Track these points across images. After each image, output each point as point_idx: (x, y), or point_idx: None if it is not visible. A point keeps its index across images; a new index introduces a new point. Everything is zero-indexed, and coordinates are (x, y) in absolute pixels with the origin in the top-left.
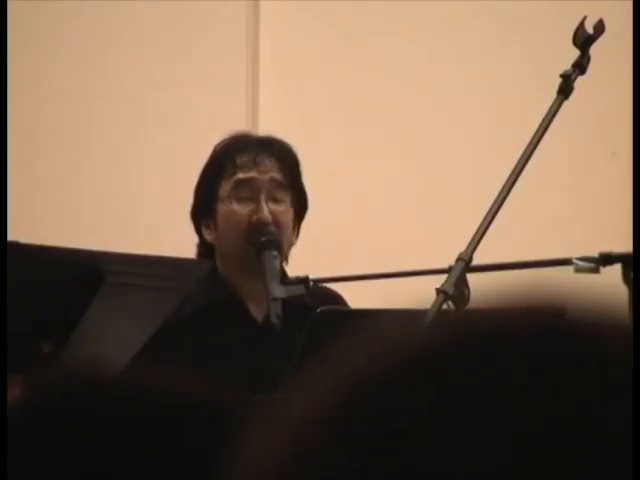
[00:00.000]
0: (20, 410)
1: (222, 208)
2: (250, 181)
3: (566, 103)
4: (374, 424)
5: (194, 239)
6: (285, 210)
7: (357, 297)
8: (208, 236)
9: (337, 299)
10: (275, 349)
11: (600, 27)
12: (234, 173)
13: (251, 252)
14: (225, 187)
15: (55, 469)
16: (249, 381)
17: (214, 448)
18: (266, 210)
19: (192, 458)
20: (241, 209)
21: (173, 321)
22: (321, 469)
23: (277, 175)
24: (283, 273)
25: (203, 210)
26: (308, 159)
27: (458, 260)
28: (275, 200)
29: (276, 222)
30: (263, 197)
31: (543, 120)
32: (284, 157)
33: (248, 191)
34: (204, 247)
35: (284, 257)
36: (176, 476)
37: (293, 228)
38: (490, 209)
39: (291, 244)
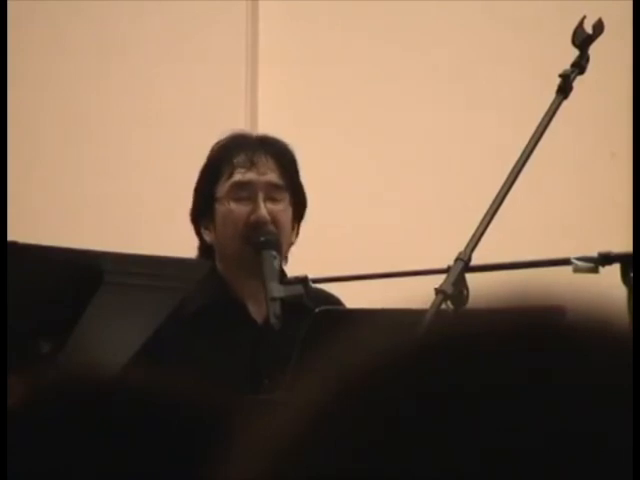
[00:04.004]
0: (20, 410)
1: (220, 208)
2: (248, 182)
3: (565, 103)
4: (372, 423)
5: (194, 239)
6: (283, 209)
7: (356, 297)
8: (207, 237)
9: (335, 301)
10: (275, 349)
11: (599, 27)
12: (232, 174)
13: (249, 252)
14: (223, 187)
15: (55, 469)
16: (249, 381)
17: (213, 448)
18: (264, 209)
19: (191, 458)
20: (239, 209)
21: (173, 321)
22: (320, 469)
23: (275, 175)
24: (282, 273)
25: (202, 211)
26: (307, 159)
27: (457, 260)
28: (273, 200)
29: (275, 221)
30: (261, 197)
31: (542, 120)
32: (281, 156)
33: (246, 192)
34: (204, 249)
35: (283, 257)
36: (176, 476)
37: (292, 227)
38: (489, 209)
39: (290, 243)
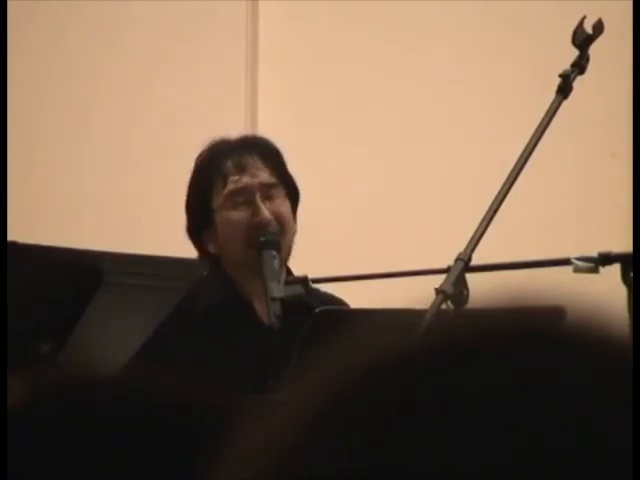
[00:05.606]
0: (20, 410)
1: (219, 218)
2: (243, 188)
3: (566, 103)
4: (371, 424)
5: None
6: (281, 203)
7: (357, 297)
8: (212, 249)
9: (340, 304)
10: (280, 350)
11: (599, 27)
12: (225, 183)
13: (254, 254)
14: (218, 198)
15: (55, 469)
16: (255, 381)
17: (213, 448)
18: (265, 211)
19: (191, 458)
20: (238, 215)
21: (180, 321)
22: (319, 469)
23: (266, 174)
24: (288, 271)
25: (201, 225)
26: (307, 159)
27: (457, 260)
28: (270, 198)
29: (277, 217)
30: (259, 199)
31: (542, 120)
32: (267, 153)
33: (243, 197)
34: (210, 260)
35: (289, 249)
36: (175, 476)
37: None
38: (489, 209)
39: (294, 233)
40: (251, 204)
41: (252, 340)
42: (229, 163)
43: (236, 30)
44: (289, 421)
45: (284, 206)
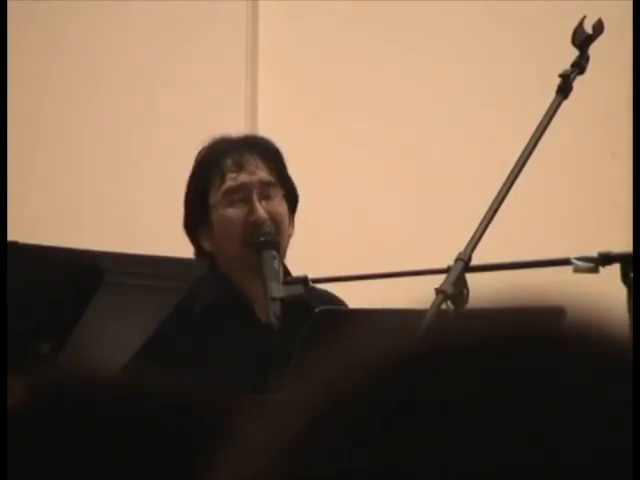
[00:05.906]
0: (20, 410)
1: (216, 215)
2: (240, 185)
3: (565, 103)
4: (370, 424)
5: None
6: (278, 203)
7: (357, 297)
8: (207, 245)
9: (340, 303)
10: (280, 349)
11: (599, 27)
12: (223, 180)
13: (250, 253)
14: (216, 195)
15: (55, 469)
16: (255, 381)
17: (212, 449)
18: (261, 209)
19: (190, 458)
20: (234, 212)
21: (179, 320)
22: (318, 469)
23: (265, 173)
24: (286, 270)
25: (197, 221)
26: (307, 159)
27: (457, 260)
28: (267, 197)
29: (273, 217)
30: (255, 197)
31: (542, 120)
32: (267, 152)
33: (239, 194)
34: (204, 256)
35: (284, 251)
36: (175, 476)
37: (289, 220)
38: (489, 209)
39: (290, 236)
40: (247, 202)
41: (252, 340)
42: (229, 161)
43: (236, 30)
44: (289, 421)
45: (281, 207)
